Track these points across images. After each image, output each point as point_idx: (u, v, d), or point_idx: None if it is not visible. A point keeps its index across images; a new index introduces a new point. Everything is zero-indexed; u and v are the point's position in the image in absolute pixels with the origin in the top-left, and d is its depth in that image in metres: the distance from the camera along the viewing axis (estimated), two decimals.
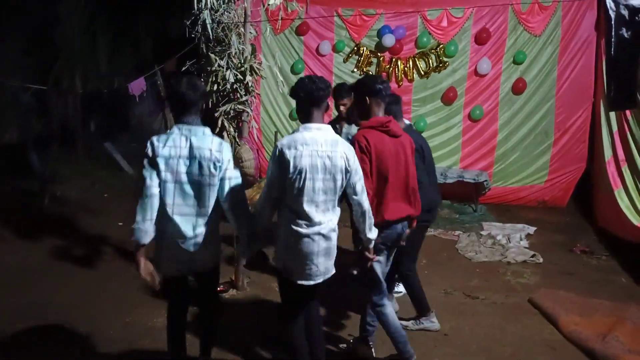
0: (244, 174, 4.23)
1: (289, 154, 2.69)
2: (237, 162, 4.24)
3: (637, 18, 5.88)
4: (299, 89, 2.79)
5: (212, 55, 4.16)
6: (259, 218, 2.85)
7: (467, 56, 7.23)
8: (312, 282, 2.83)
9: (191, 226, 2.75)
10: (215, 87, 4.14)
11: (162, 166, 2.69)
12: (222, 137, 4.20)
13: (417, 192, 3.32)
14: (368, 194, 2.96)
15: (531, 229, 6.24)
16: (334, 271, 2.92)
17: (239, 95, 4.24)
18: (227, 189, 2.77)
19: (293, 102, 8.13)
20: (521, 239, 5.89)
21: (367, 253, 3.02)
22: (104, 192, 7.67)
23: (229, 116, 4.24)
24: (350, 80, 7.54)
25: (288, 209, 2.77)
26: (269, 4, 4.44)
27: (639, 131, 6.05)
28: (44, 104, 9.09)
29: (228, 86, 4.16)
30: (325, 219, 2.78)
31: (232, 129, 4.28)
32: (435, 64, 7.30)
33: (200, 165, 2.71)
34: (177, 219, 2.73)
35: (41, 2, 8.77)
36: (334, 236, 2.86)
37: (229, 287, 4.43)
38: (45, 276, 4.77)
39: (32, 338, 3.70)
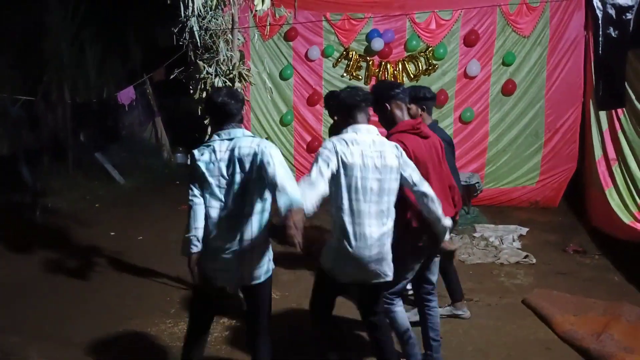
0: None
1: (342, 150, 2.69)
2: None
3: (624, 17, 5.92)
4: (346, 95, 2.86)
5: (201, 63, 4.15)
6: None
7: (457, 58, 7.27)
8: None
9: (237, 231, 2.64)
10: (204, 95, 4.13)
11: (204, 172, 2.63)
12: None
13: (456, 188, 3.28)
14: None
15: (524, 230, 6.26)
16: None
17: None
18: (271, 168, 2.50)
19: (283, 108, 8.21)
20: (514, 240, 5.89)
21: (448, 244, 3.01)
22: (96, 203, 7.62)
23: None
24: (340, 85, 7.56)
25: (344, 212, 2.72)
26: (256, 10, 4.44)
27: (631, 128, 6.08)
28: (34, 116, 9.05)
29: None
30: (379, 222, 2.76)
31: None
32: (424, 67, 7.33)
33: (242, 164, 2.61)
34: (223, 223, 2.65)
35: (28, 14, 8.75)
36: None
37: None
38: (38, 288, 4.71)
39: (27, 350, 3.65)
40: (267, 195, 2.67)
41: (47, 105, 9.06)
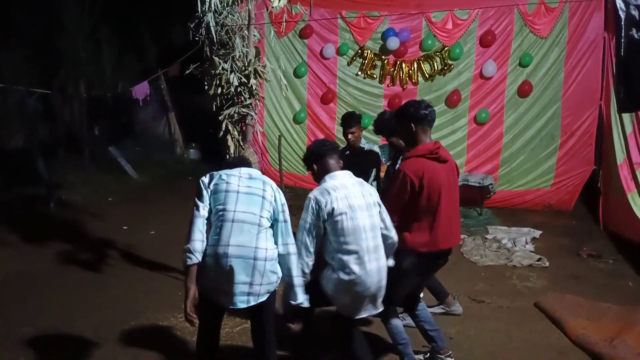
0: None
1: (325, 201, 2.81)
2: None
3: None
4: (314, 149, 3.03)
5: (216, 59, 4.16)
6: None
7: (473, 59, 7.20)
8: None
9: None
10: (219, 91, 4.14)
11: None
12: (226, 140, 4.20)
13: (459, 218, 3.29)
14: (393, 221, 3.04)
15: (537, 233, 6.19)
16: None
17: (242, 98, 4.23)
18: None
19: (297, 106, 8.22)
20: (527, 243, 5.83)
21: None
22: (109, 197, 7.69)
23: (233, 119, 4.24)
24: (355, 83, 7.55)
25: (343, 253, 2.83)
26: (272, 7, 4.44)
27: None
28: (49, 110, 9.14)
29: (232, 89, 4.16)
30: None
31: (236, 133, 4.27)
32: (440, 67, 7.28)
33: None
34: None
35: (46, 11, 8.84)
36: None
37: None
38: (51, 281, 4.76)
39: (39, 342, 3.69)
40: None
41: (63, 99, 9.15)
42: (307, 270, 2.84)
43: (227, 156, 2.96)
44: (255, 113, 4.40)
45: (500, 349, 3.69)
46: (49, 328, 3.87)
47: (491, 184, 6.91)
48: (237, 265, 2.63)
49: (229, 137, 4.22)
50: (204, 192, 2.74)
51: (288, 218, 2.83)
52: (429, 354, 3.45)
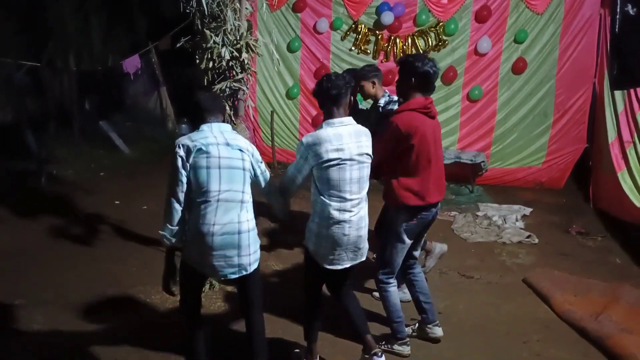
0: None
1: (316, 149, 2.79)
2: None
3: None
4: (318, 88, 2.91)
5: (207, 32, 4.07)
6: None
7: (467, 35, 7.13)
8: (339, 267, 2.93)
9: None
10: (210, 65, 4.07)
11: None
12: None
13: (443, 174, 3.34)
14: (382, 169, 3.12)
15: (527, 210, 6.24)
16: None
17: (234, 72, 4.17)
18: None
19: (289, 81, 8.11)
20: (517, 220, 5.89)
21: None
22: (100, 172, 7.64)
23: (225, 94, 4.18)
24: (349, 59, 7.48)
25: (325, 197, 2.84)
26: None
27: None
28: (39, 84, 9.00)
29: (224, 63, 4.09)
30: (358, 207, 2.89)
31: (227, 108, 4.22)
32: (434, 43, 7.20)
33: None
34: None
35: None
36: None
37: None
38: (42, 255, 4.76)
39: (31, 317, 3.71)
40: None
41: (52, 73, 9.01)
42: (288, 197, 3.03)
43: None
44: (247, 88, 4.34)
45: (489, 322, 3.76)
46: (41, 301, 3.89)
47: (483, 162, 6.93)
48: (223, 242, 2.64)
49: None
50: (181, 168, 2.64)
51: (264, 167, 2.90)
52: (417, 325, 3.54)
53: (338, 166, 2.79)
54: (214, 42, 4.02)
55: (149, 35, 9.60)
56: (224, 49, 4.03)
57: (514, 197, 6.74)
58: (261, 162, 2.88)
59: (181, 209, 2.66)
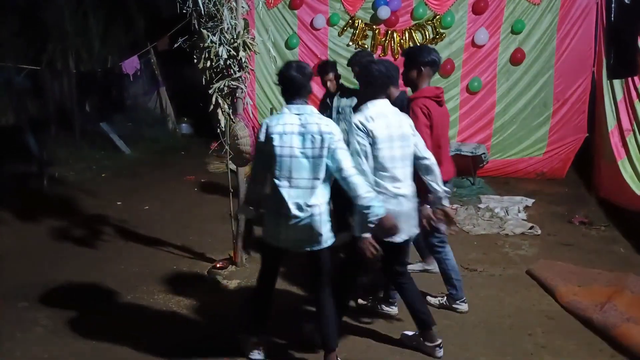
0: (239, 152, 4.22)
1: (371, 127, 2.92)
2: (232, 139, 4.21)
3: None
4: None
5: (204, 31, 4.07)
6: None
7: (464, 27, 7.11)
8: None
9: (303, 200, 2.82)
10: (208, 64, 4.06)
11: (276, 142, 2.81)
12: (216, 114, 4.16)
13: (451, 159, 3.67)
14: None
15: (529, 201, 6.23)
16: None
17: (232, 71, 4.16)
18: (338, 157, 2.81)
19: None
20: (519, 211, 5.87)
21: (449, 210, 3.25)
22: (102, 173, 7.65)
23: (223, 93, 4.17)
24: (346, 54, 7.45)
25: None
26: None
27: None
28: (39, 86, 9.00)
29: (221, 62, 4.08)
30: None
31: (226, 106, 4.22)
32: (431, 36, 7.19)
33: (312, 139, 2.81)
34: (292, 192, 2.83)
35: None
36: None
37: (227, 264, 4.44)
38: (45, 257, 4.77)
39: (35, 319, 3.72)
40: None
41: (52, 75, 9.01)
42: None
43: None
44: (246, 86, 4.34)
45: (492, 315, 3.75)
46: (43, 304, 3.90)
47: (484, 153, 6.92)
48: (302, 222, 2.81)
49: (219, 110, 4.16)
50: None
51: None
52: (445, 299, 3.79)
53: (388, 144, 2.97)
54: (211, 42, 4.01)
55: (147, 35, 9.59)
56: (221, 48, 4.02)
57: (516, 189, 6.74)
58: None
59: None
